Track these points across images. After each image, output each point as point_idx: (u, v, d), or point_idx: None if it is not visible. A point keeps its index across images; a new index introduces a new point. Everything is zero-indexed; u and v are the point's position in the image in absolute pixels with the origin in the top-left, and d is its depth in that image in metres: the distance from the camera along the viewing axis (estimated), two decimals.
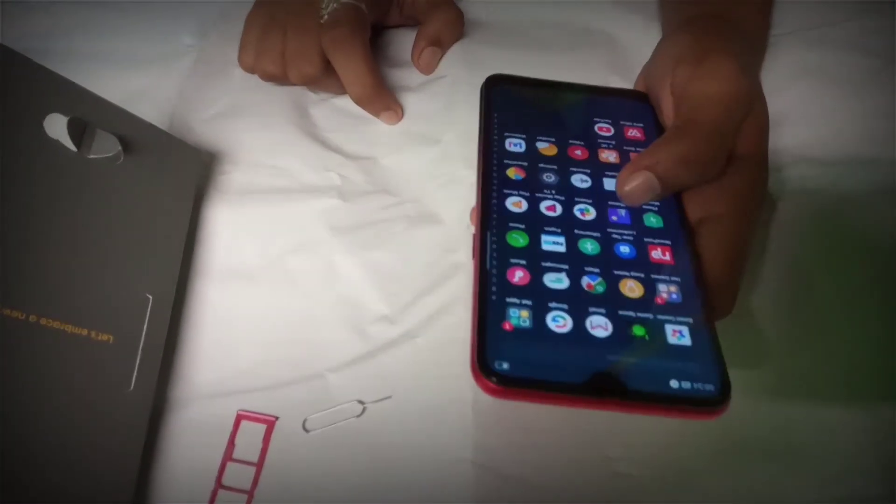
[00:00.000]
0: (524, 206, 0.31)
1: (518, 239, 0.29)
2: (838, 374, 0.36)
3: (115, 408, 0.34)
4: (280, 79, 0.49)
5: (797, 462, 0.34)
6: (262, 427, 0.36)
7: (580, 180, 0.32)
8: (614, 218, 0.31)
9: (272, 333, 0.39)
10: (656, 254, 0.29)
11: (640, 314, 0.27)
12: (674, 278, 0.28)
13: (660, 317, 0.27)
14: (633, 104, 0.36)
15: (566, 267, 0.28)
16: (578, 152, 0.34)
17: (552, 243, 0.29)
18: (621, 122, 0.35)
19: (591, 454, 0.35)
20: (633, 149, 0.34)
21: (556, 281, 0.28)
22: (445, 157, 0.47)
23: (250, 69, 0.49)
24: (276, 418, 0.36)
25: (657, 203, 0.31)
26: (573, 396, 0.24)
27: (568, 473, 0.34)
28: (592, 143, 0.34)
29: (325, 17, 0.46)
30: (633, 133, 0.35)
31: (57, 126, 0.35)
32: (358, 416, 0.36)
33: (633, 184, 0.30)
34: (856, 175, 0.42)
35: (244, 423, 0.36)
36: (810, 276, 0.39)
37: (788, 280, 0.39)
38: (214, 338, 0.40)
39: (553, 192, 0.32)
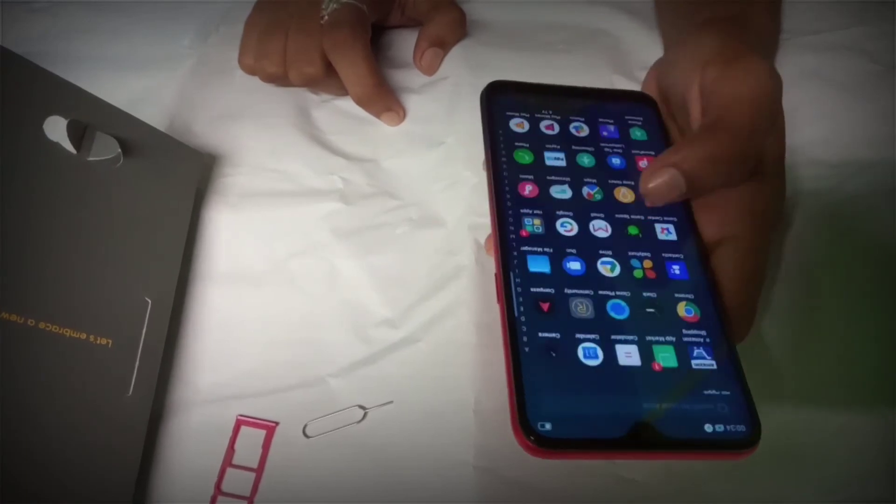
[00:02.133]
0: (542, 227, 0.31)
1: (542, 265, 0.29)
2: (841, 377, 0.36)
3: (114, 412, 0.34)
4: (281, 80, 0.48)
5: (800, 465, 0.34)
6: (261, 432, 0.36)
7: (594, 196, 0.32)
8: (631, 234, 0.31)
9: (273, 337, 0.39)
10: (674, 270, 0.30)
11: (666, 339, 0.27)
12: (697, 306, 0.29)
13: (687, 347, 0.27)
14: (637, 106, 0.36)
15: (590, 293, 0.28)
16: (588, 159, 0.33)
17: (574, 267, 0.29)
18: (628, 126, 0.35)
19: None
20: (640, 151, 0.34)
21: (584, 311, 0.28)
22: (448, 159, 0.46)
23: (251, 70, 0.49)
24: (277, 423, 0.36)
25: (672, 222, 0.31)
26: (614, 452, 0.25)
27: (571, 477, 0.34)
28: (600, 153, 0.34)
29: (326, 17, 0.46)
30: (639, 135, 0.35)
31: (56, 128, 0.35)
32: (359, 421, 0.36)
33: (657, 181, 0.29)
34: (857, 178, 0.42)
35: (244, 428, 0.36)
36: (813, 279, 0.39)
37: (791, 282, 0.38)
38: (214, 342, 0.39)
39: (569, 208, 0.31)
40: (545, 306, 0.28)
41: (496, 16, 0.54)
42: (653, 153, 0.34)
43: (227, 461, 0.35)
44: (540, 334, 0.27)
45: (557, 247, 0.30)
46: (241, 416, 0.36)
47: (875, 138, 0.43)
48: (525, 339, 0.27)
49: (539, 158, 0.33)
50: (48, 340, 0.32)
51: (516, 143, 0.34)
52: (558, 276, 0.29)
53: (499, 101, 0.35)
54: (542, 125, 0.34)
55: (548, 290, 0.28)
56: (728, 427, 0.25)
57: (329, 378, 0.37)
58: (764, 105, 0.30)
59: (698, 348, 0.27)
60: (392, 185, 0.45)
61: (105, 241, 0.36)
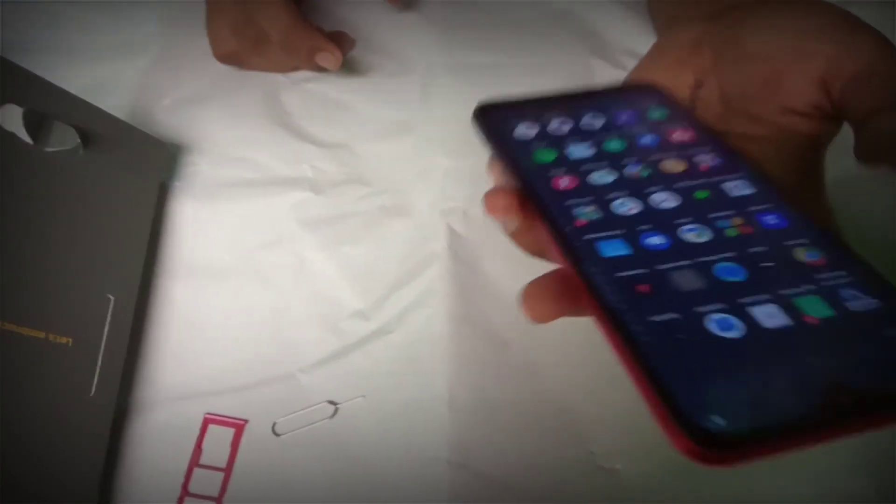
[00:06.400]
0: (600, 214, 0.25)
1: (618, 248, 0.24)
2: None
3: (76, 413, 0.33)
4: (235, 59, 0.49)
5: (795, 463, 0.33)
6: (230, 431, 0.35)
7: (640, 174, 0.27)
8: (700, 198, 0.26)
9: (241, 333, 0.38)
10: (770, 220, 0.25)
11: (804, 288, 0.22)
12: (817, 248, 0.23)
13: (833, 291, 0.22)
14: (644, 94, 0.32)
15: (689, 262, 0.23)
16: (617, 144, 0.29)
17: (655, 241, 0.24)
18: (643, 110, 0.31)
19: (573, 449, 0.34)
20: (667, 126, 0.30)
21: (693, 282, 0.22)
22: (422, 144, 0.46)
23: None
24: (246, 421, 0.35)
25: (739, 177, 0.27)
26: (813, 433, 0.18)
27: (548, 470, 0.34)
28: (626, 135, 0.29)
29: None
30: (658, 115, 0.31)
31: (12, 118, 0.34)
32: (330, 417, 0.35)
33: None
34: (855, 172, 0.41)
35: (212, 426, 0.35)
36: None
37: None
38: (180, 338, 0.38)
39: (618, 190, 0.26)
40: (644, 288, 0.22)
41: None
42: (684, 125, 0.30)
43: (195, 461, 0.34)
44: (652, 319, 0.21)
45: (626, 227, 0.24)
46: (209, 414, 0.35)
47: None
48: (638, 328, 0.21)
49: (563, 154, 0.28)
50: (5, 339, 0.31)
51: (531, 146, 0.29)
52: (642, 254, 0.23)
53: (495, 117, 0.31)
54: (552, 126, 0.30)
55: (637, 271, 0.23)
56: None
57: (299, 373, 0.36)
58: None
59: (845, 289, 0.22)
60: (364, 172, 0.44)
61: (65, 236, 0.35)
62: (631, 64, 0.47)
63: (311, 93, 0.49)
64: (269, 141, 0.46)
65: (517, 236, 0.27)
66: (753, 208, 0.25)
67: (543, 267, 0.26)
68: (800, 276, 0.22)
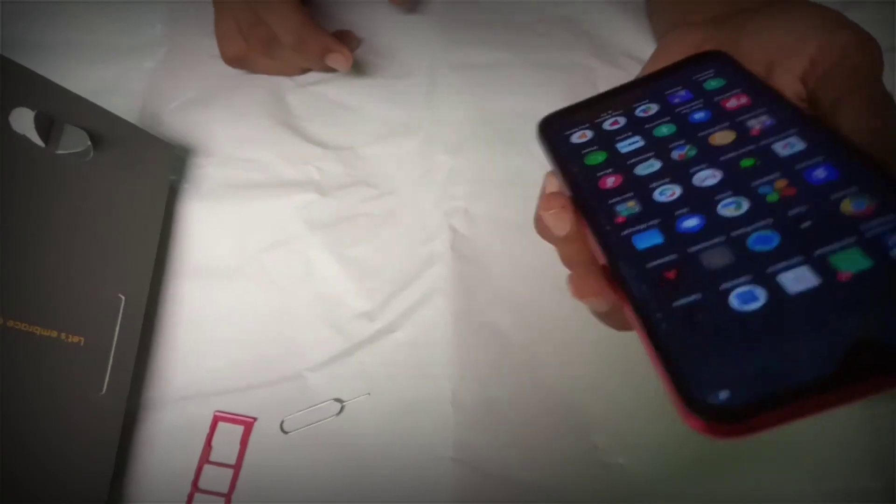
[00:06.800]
0: (638, 206, 0.26)
1: (652, 238, 0.24)
2: None
3: (87, 412, 0.33)
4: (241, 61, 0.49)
5: (789, 453, 0.33)
6: (239, 428, 0.35)
7: (686, 155, 0.27)
8: (746, 166, 0.25)
9: (249, 332, 0.39)
10: (818, 174, 0.24)
11: (843, 243, 0.21)
12: (866, 195, 0.22)
13: (876, 240, 0.21)
14: (702, 64, 0.31)
15: (722, 238, 0.23)
16: (667, 129, 0.29)
17: (690, 224, 0.24)
18: (699, 84, 0.30)
19: (577, 445, 0.34)
20: (722, 96, 0.29)
21: (721, 258, 0.22)
22: (426, 145, 0.46)
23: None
24: (255, 419, 0.36)
25: (792, 133, 0.26)
26: (832, 394, 0.17)
27: (552, 466, 0.34)
28: (677, 117, 0.29)
29: None
30: (715, 84, 0.30)
31: (24, 121, 0.34)
32: (336, 414, 0.36)
33: None
34: None
35: (221, 424, 0.36)
36: None
37: None
38: (190, 338, 0.39)
39: (662, 177, 0.27)
40: (671, 274, 0.23)
41: None
42: (738, 90, 0.29)
43: (205, 458, 0.35)
44: (674, 304, 0.21)
45: (663, 214, 0.25)
46: (219, 412, 0.36)
47: None
48: (658, 315, 0.21)
49: (613, 152, 0.29)
50: (18, 339, 0.31)
51: (584, 151, 0.29)
52: (675, 240, 0.24)
53: (555, 127, 0.32)
54: (606, 125, 0.31)
55: (667, 259, 0.23)
56: None
57: (306, 372, 0.37)
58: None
59: (892, 235, 0.20)
60: (369, 174, 0.45)
61: (76, 237, 0.35)
62: (630, 65, 0.47)
63: (316, 95, 0.49)
64: (275, 143, 0.46)
65: (565, 245, 0.27)
66: (802, 165, 0.24)
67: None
68: (840, 231, 0.21)
